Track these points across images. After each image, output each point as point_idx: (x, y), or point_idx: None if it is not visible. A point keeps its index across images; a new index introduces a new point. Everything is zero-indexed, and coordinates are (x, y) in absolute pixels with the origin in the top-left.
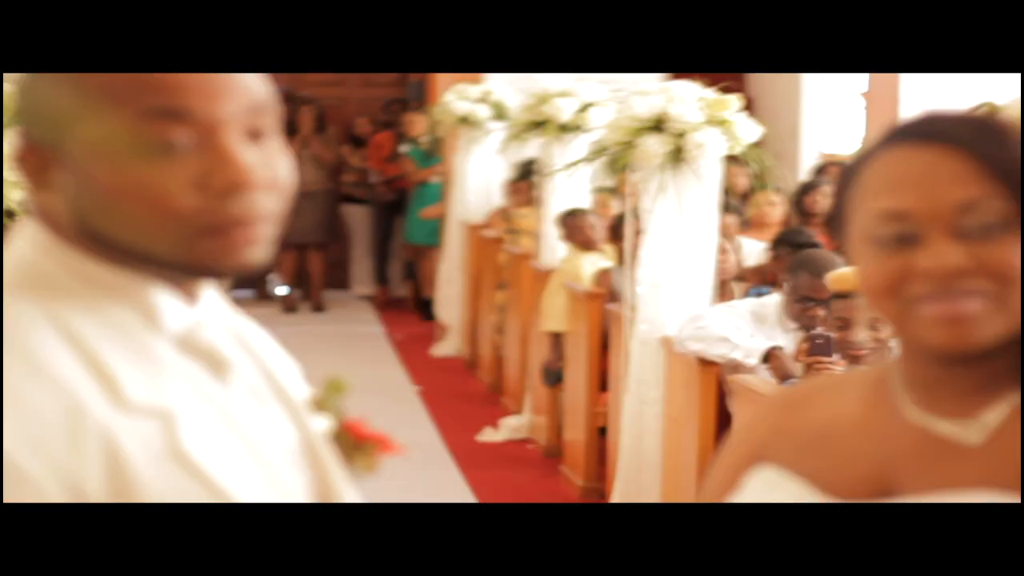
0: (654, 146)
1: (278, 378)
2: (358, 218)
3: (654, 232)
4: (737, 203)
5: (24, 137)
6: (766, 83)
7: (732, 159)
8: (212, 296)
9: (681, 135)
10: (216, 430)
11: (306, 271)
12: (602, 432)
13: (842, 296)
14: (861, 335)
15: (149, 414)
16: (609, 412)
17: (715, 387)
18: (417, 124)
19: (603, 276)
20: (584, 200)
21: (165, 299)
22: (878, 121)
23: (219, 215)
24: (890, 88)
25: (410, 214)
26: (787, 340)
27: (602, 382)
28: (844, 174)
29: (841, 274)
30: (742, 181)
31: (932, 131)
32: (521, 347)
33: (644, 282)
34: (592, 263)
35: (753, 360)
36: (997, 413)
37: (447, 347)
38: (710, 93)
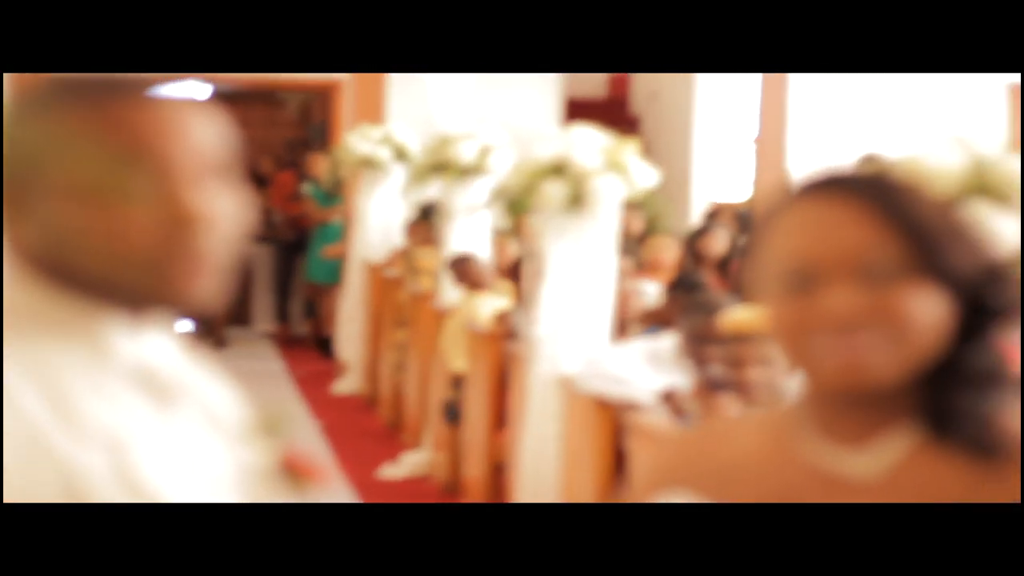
0: (554, 190)
1: (219, 409)
2: (260, 256)
3: (553, 273)
4: (632, 246)
5: (8, 170)
6: (659, 129)
7: (628, 204)
8: (157, 330)
9: (581, 180)
10: (165, 457)
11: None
12: (500, 470)
13: (735, 337)
14: (753, 374)
15: (103, 443)
16: (507, 449)
17: (612, 426)
18: (319, 164)
19: (503, 316)
20: (484, 241)
21: (116, 333)
22: (768, 167)
23: (176, 251)
24: (777, 135)
25: (311, 253)
26: (684, 379)
27: (500, 420)
28: (756, 224)
29: (733, 316)
30: (636, 224)
31: (836, 183)
32: (421, 384)
33: (543, 322)
34: (488, 303)
35: (650, 400)
36: (894, 450)
37: (347, 384)
38: (608, 139)
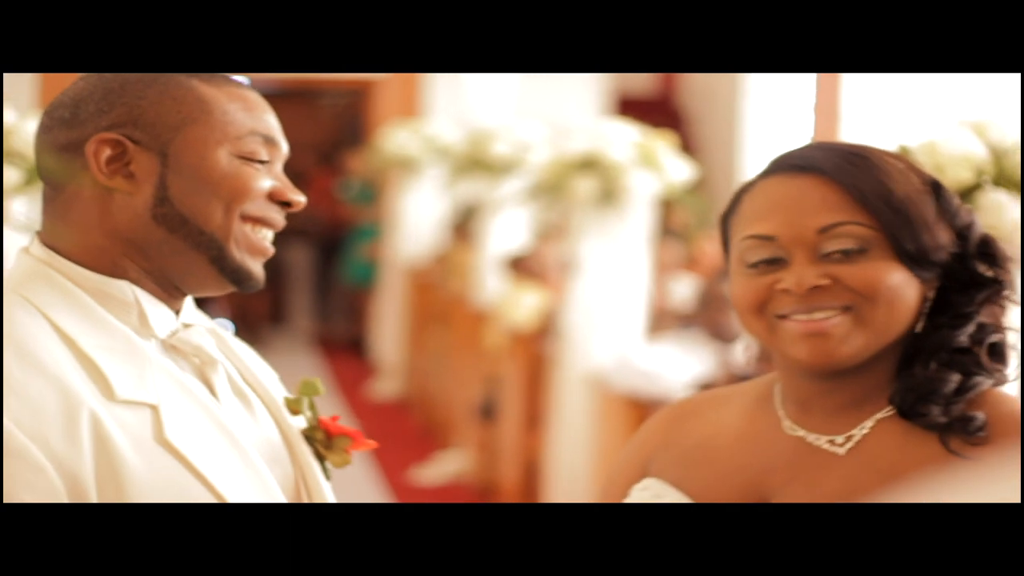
0: (585, 186)
1: (258, 378)
2: (298, 255)
3: (587, 271)
4: (677, 241)
5: (114, 133)
6: (709, 127)
7: (669, 201)
8: (192, 306)
9: (612, 174)
10: (199, 423)
11: (248, 307)
12: (534, 470)
13: None
14: None
15: (136, 406)
16: (542, 450)
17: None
18: (357, 163)
19: (538, 315)
20: (521, 239)
21: (153, 307)
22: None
23: (265, 213)
24: (830, 135)
25: (348, 253)
26: (709, 366)
27: (535, 420)
28: (728, 204)
29: None
30: (680, 217)
31: (802, 162)
32: (457, 386)
33: (576, 319)
34: (527, 302)
35: (682, 392)
36: (864, 427)
37: (384, 385)
38: (641, 133)
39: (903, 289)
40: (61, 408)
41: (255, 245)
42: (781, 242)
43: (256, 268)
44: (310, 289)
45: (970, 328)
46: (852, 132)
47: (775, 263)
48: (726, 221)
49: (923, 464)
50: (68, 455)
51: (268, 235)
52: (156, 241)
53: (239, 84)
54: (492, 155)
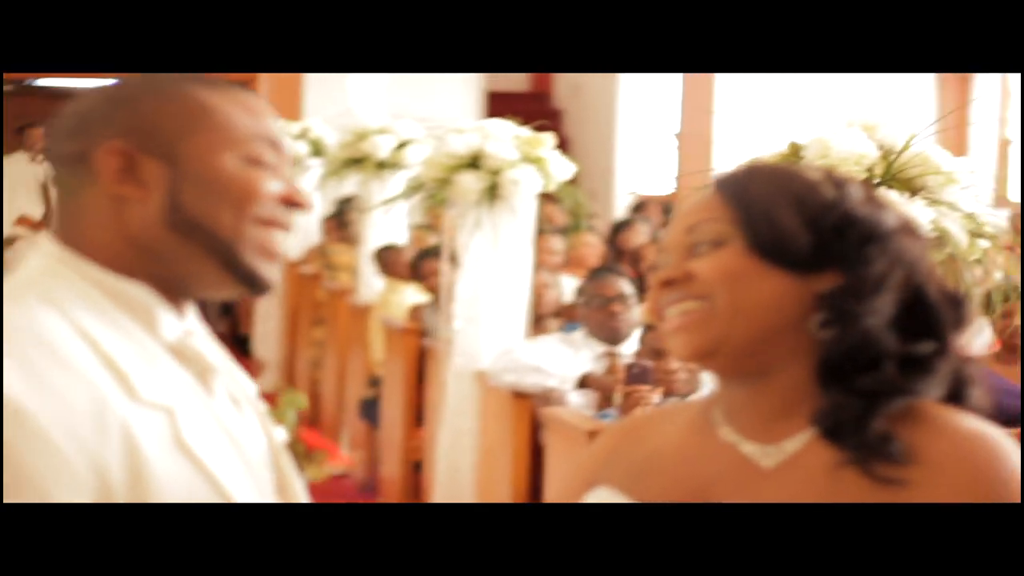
0: (470, 183)
1: (247, 388)
2: None
3: (469, 267)
4: (555, 239)
5: (121, 142)
6: (582, 123)
7: (548, 196)
8: (194, 315)
9: (496, 172)
10: (207, 427)
11: None
12: (418, 467)
13: (653, 327)
14: (675, 363)
15: (156, 408)
16: (424, 447)
17: (528, 419)
18: None
19: (416, 311)
20: (401, 236)
21: (162, 310)
22: (691, 160)
23: (275, 215)
24: (701, 129)
25: None
26: (597, 366)
27: (418, 417)
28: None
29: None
30: (558, 217)
31: (716, 180)
32: (338, 382)
33: (459, 316)
34: (408, 297)
35: (568, 386)
36: (796, 440)
37: (264, 382)
38: (525, 131)
39: (753, 278)
40: (91, 407)
41: (266, 247)
42: (666, 249)
43: (268, 271)
44: None
45: (869, 334)
46: (723, 129)
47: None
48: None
49: (855, 488)
50: (99, 454)
51: (279, 237)
52: (170, 247)
53: (240, 89)
54: (370, 153)
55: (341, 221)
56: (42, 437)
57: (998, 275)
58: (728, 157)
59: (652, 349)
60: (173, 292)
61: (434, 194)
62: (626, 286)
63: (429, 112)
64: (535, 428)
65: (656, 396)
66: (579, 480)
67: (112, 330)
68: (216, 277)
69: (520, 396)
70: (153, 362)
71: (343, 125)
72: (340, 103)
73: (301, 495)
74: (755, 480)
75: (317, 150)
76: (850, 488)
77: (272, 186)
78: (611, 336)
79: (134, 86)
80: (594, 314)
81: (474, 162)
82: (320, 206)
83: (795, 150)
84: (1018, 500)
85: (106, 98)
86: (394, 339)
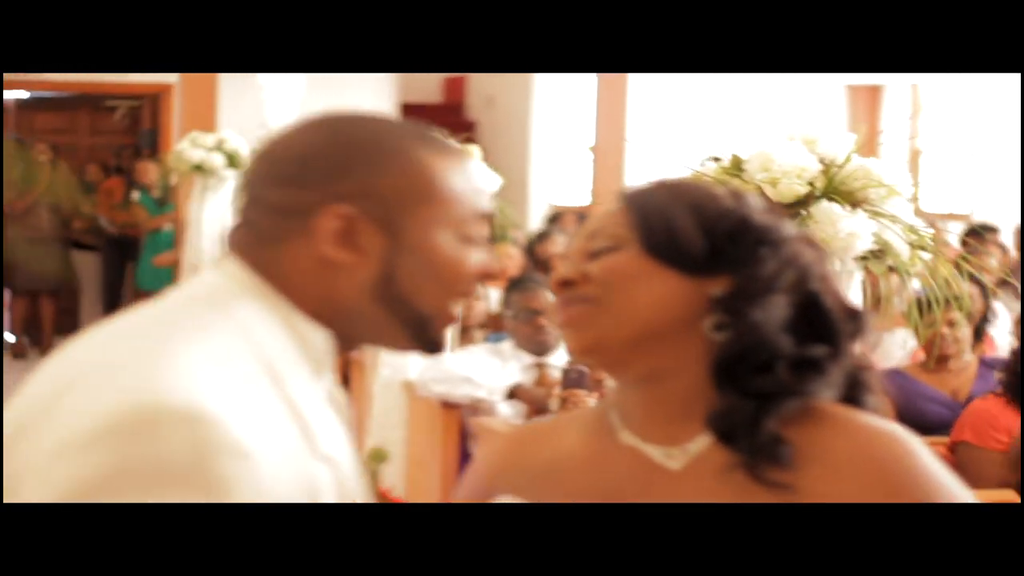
0: None
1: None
2: (88, 265)
3: None
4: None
5: (348, 208)
6: (495, 134)
7: None
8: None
9: None
10: (354, 478)
11: (38, 318)
12: None
13: None
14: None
15: (326, 461)
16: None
17: (457, 429)
18: (150, 171)
19: None
20: None
21: (331, 360)
22: (606, 170)
23: (473, 289)
24: (616, 139)
25: (143, 261)
26: (526, 377)
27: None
28: None
29: None
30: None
31: (623, 193)
32: None
33: None
34: None
35: (497, 397)
36: (699, 442)
37: None
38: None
39: (643, 279)
40: (291, 457)
41: (453, 316)
42: (569, 255)
43: (443, 337)
44: (101, 298)
45: (763, 335)
46: (636, 135)
47: None
48: None
49: (762, 488)
50: (295, 501)
51: (460, 306)
52: (368, 314)
53: (464, 153)
54: None
55: None
56: (258, 482)
57: (916, 285)
58: (642, 167)
59: (568, 376)
60: (345, 345)
61: None
62: (550, 297)
63: None
64: (464, 437)
65: (593, 401)
66: (476, 490)
67: (292, 371)
68: (399, 343)
69: (449, 407)
70: (321, 410)
71: (259, 136)
72: (254, 114)
73: None
74: (663, 483)
75: (233, 162)
76: (757, 488)
77: (478, 265)
78: (539, 348)
79: (363, 140)
80: (521, 327)
81: None
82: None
83: (736, 163)
84: (932, 492)
85: (333, 149)
86: None
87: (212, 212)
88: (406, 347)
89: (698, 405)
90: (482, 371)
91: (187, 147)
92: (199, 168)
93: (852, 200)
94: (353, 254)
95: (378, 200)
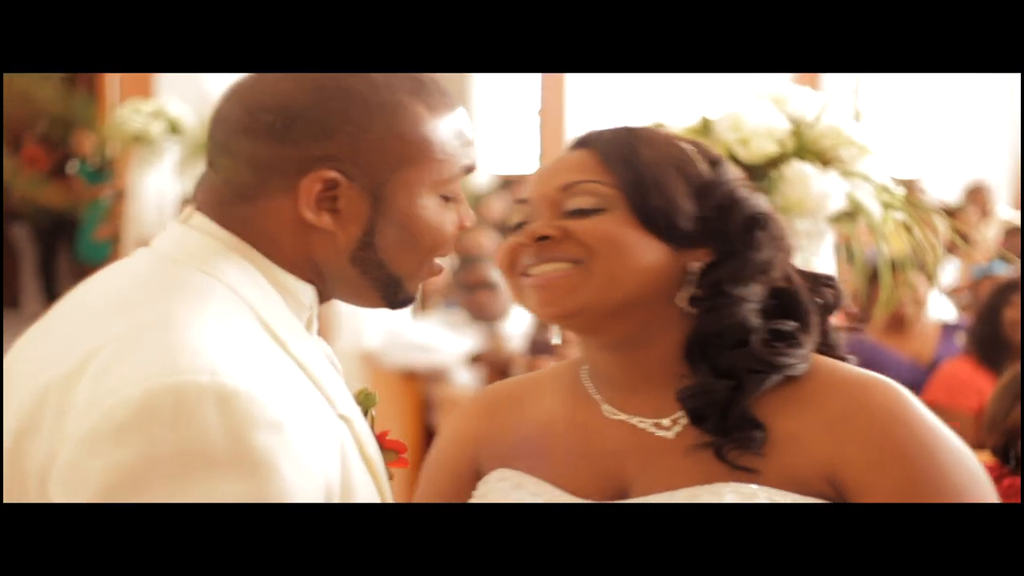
0: None
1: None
2: (24, 237)
3: None
4: None
5: (333, 172)
6: None
7: None
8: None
9: None
10: (367, 432)
11: None
12: None
13: None
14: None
15: (344, 419)
16: None
17: (419, 398)
18: (86, 141)
19: None
20: None
21: (314, 308)
22: (552, 138)
23: (450, 245)
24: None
25: (83, 232)
26: (481, 345)
27: None
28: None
29: None
30: None
31: (582, 138)
32: None
33: None
34: None
35: (457, 364)
36: (674, 413)
37: None
38: None
39: (635, 248)
40: (316, 415)
41: (433, 272)
42: (532, 203)
43: (416, 292)
44: (38, 272)
45: (750, 316)
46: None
47: (525, 221)
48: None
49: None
50: (325, 463)
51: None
52: (343, 274)
53: (454, 103)
54: None
55: None
56: (296, 452)
57: (884, 247)
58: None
59: (535, 342)
60: (322, 297)
61: None
62: (492, 272)
63: None
64: (425, 407)
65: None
66: (456, 462)
67: (289, 331)
68: (369, 299)
69: (409, 376)
70: (326, 368)
71: (201, 104)
72: (194, 81)
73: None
74: (660, 450)
75: (174, 129)
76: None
77: (455, 223)
78: (488, 317)
79: (355, 93)
80: (468, 300)
81: None
82: (179, 186)
83: (706, 124)
84: (926, 439)
85: (322, 102)
86: None
87: (154, 182)
88: (377, 305)
89: (673, 377)
90: (440, 339)
91: (126, 116)
92: (139, 138)
93: (824, 160)
94: (334, 219)
95: (363, 164)
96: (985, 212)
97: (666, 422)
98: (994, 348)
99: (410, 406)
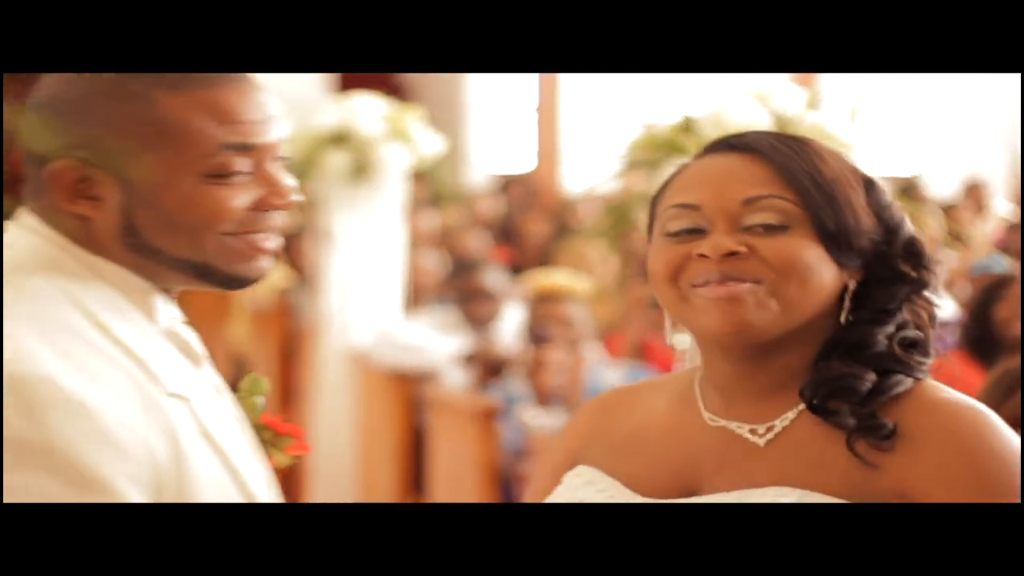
0: (337, 159)
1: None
2: None
3: (340, 245)
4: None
5: (71, 162)
6: (432, 100)
7: (417, 175)
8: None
9: (364, 148)
10: (213, 412)
11: None
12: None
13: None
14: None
15: (178, 398)
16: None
17: (408, 399)
18: None
19: (283, 293)
20: None
21: (158, 297)
22: (549, 135)
23: (249, 225)
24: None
25: None
26: (474, 345)
27: (288, 399)
28: (660, 185)
29: (538, 279)
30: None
31: (737, 141)
32: None
33: (332, 296)
34: (271, 279)
35: (449, 364)
36: (787, 418)
37: None
38: (391, 107)
39: (818, 269)
40: (135, 396)
41: (245, 252)
42: (704, 212)
43: (251, 270)
44: None
45: (890, 327)
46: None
47: (696, 233)
48: (655, 201)
49: (843, 461)
50: (150, 445)
51: (261, 237)
52: (136, 264)
53: (213, 83)
54: None
55: None
56: (103, 431)
57: None
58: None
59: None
60: (155, 283)
61: (300, 172)
62: (486, 279)
63: (279, 84)
64: (415, 408)
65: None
66: (561, 457)
67: (117, 317)
68: (191, 283)
69: (400, 376)
70: (160, 350)
71: None
72: None
73: (271, 481)
74: (741, 455)
75: None
76: (838, 461)
77: (238, 202)
78: (481, 320)
79: (96, 86)
80: (462, 305)
81: (340, 138)
82: None
83: (688, 123)
84: (1010, 472)
85: (70, 96)
86: (261, 322)
87: None
88: (204, 287)
89: (794, 380)
90: (431, 339)
91: None
92: None
93: None
94: (91, 205)
95: (105, 149)
96: (982, 207)
97: (761, 428)
98: (985, 345)
99: (400, 406)
